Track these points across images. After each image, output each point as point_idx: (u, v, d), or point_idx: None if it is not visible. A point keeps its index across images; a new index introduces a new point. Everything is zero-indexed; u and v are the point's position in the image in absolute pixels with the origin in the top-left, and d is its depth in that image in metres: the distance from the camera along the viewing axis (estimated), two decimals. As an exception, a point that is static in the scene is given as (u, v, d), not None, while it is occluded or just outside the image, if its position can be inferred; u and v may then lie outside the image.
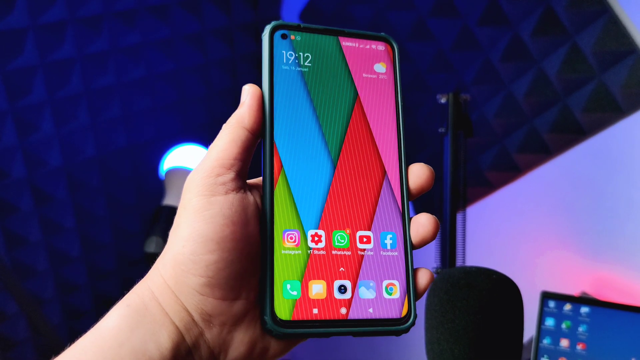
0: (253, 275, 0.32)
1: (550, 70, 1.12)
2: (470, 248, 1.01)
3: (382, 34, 0.39)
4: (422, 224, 0.35)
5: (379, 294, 0.34)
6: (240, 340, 0.32)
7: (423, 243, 0.36)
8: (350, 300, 0.33)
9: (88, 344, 0.30)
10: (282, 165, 0.34)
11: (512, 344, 0.54)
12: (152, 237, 1.07)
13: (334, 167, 0.35)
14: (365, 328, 0.33)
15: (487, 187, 1.27)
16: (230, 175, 0.33)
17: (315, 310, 0.32)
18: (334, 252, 0.34)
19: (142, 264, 1.41)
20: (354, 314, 0.33)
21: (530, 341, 0.97)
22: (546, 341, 0.93)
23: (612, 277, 1.09)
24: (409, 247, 0.35)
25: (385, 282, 0.34)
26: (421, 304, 0.61)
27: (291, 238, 0.33)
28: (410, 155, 0.37)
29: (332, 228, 0.34)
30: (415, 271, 0.35)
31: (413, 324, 0.34)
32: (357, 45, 0.38)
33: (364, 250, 0.34)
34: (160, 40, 1.31)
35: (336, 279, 0.33)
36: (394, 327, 0.33)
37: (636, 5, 1.01)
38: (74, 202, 1.28)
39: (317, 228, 0.34)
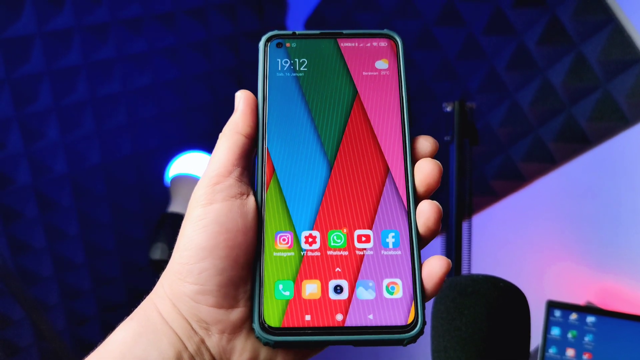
0: None
1: (555, 79, 1.12)
2: (476, 257, 1.00)
3: (385, 30, 0.38)
4: (424, 166, 0.34)
5: (380, 296, 0.31)
6: (242, 349, 0.31)
7: (429, 191, 0.34)
8: (347, 303, 0.31)
9: (94, 357, 0.31)
10: (274, 169, 0.34)
11: (519, 352, 0.53)
12: (157, 243, 1.07)
13: (331, 167, 0.34)
14: (366, 336, 0.30)
15: (492, 196, 1.27)
16: (229, 181, 0.32)
17: (308, 317, 0.30)
18: (329, 252, 0.32)
19: (147, 270, 1.40)
20: (352, 320, 0.30)
21: (536, 351, 0.96)
22: (552, 351, 0.92)
23: (617, 287, 1.08)
24: (415, 247, 0.32)
25: (386, 282, 0.31)
26: (428, 313, 0.61)
27: (283, 240, 0.32)
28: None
29: (327, 228, 0.33)
30: (423, 265, 0.32)
31: (421, 332, 0.30)
32: (356, 45, 0.37)
33: (363, 249, 0.32)
34: (166, 48, 1.31)
35: (331, 279, 0.31)
36: (399, 335, 0.30)
37: (642, 15, 1.01)
38: (78, 209, 1.28)
39: (312, 229, 0.32)
